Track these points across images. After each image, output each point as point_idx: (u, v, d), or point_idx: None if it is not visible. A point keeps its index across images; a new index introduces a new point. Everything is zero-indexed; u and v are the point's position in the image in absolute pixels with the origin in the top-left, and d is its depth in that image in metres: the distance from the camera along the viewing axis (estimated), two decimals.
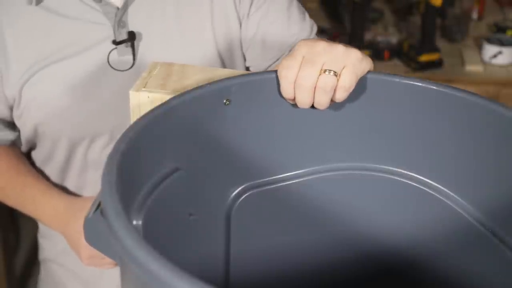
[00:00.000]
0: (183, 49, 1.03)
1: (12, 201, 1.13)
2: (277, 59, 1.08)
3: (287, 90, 0.76)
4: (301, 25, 1.08)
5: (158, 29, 1.02)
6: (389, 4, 2.60)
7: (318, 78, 0.74)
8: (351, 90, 0.75)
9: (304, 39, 0.78)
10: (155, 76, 0.81)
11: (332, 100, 0.76)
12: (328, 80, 0.73)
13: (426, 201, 0.81)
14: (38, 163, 1.13)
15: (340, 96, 0.75)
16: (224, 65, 1.07)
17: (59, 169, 1.10)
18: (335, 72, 0.73)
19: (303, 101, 0.75)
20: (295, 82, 0.75)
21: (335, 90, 0.74)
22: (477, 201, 0.78)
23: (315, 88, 0.74)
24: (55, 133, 1.05)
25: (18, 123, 1.07)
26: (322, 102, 0.75)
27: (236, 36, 1.06)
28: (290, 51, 1.06)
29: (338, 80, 0.74)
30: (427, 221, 0.83)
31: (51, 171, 1.12)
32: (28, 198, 1.10)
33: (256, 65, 1.10)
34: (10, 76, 1.01)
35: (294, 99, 0.76)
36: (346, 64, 0.74)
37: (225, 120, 0.77)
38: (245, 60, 1.10)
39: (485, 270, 0.79)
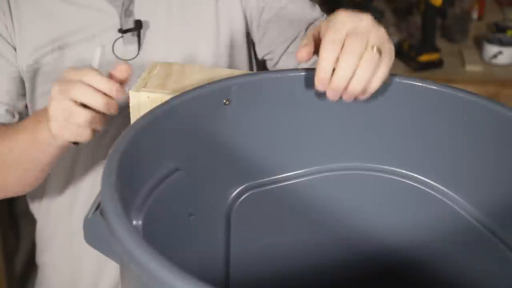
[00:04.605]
0: (186, 40, 1.04)
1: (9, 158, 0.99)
2: (294, 39, 1.05)
3: (327, 63, 0.69)
4: (314, 7, 1.07)
5: (163, 19, 1.03)
6: (389, 4, 2.60)
7: (363, 54, 0.69)
8: (382, 83, 0.71)
9: (343, 10, 0.74)
10: (155, 76, 0.81)
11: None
12: (374, 56, 0.69)
13: (426, 201, 0.81)
14: None
15: (374, 86, 0.70)
16: (226, 58, 1.07)
17: (68, 163, 1.07)
18: (380, 50, 0.70)
19: (344, 73, 0.68)
20: (341, 51, 0.69)
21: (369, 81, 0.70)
22: (477, 201, 0.78)
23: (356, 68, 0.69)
24: None
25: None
26: (362, 78, 0.69)
27: (240, 31, 1.06)
28: (308, 27, 1.03)
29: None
30: (427, 221, 0.83)
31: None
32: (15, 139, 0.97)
33: (273, 49, 1.07)
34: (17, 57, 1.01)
35: (326, 83, 0.70)
36: (384, 50, 0.70)
37: (225, 120, 0.77)
38: (248, 56, 1.10)
39: (485, 270, 0.79)
